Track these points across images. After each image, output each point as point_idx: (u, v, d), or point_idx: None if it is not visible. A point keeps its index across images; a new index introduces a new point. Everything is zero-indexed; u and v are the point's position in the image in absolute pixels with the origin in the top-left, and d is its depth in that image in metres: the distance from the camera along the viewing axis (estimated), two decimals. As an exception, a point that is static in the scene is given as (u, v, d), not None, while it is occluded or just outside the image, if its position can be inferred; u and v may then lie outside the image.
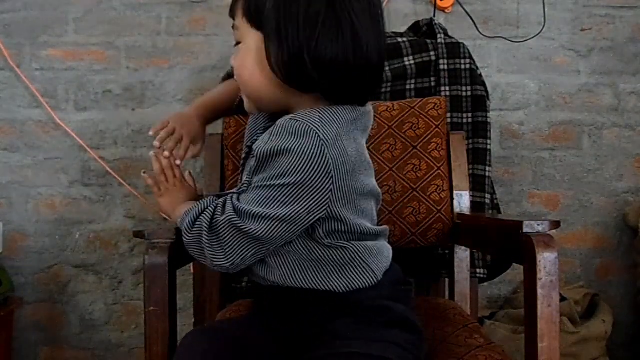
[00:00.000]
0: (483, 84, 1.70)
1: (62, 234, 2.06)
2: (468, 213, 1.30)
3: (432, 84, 1.67)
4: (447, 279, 1.47)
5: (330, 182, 0.82)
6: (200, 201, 0.90)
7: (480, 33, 2.03)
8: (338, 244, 0.88)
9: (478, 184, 1.63)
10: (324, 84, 0.85)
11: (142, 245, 1.77)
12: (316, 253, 0.88)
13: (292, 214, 0.82)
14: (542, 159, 2.06)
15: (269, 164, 0.82)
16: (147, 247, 0.91)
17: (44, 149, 2.05)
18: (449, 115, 1.61)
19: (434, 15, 1.98)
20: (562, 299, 1.71)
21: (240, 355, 0.86)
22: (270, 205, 0.82)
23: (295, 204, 0.82)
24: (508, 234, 0.99)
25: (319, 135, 0.81)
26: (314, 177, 0.81)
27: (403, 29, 1.83)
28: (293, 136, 0.81)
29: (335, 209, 0.85)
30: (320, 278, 0.88)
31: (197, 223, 0.86)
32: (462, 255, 1.29)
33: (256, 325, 0.92)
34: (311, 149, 0.80)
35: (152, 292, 0.90)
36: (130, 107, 2.06)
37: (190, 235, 0.87)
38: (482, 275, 1.60)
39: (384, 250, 0.94)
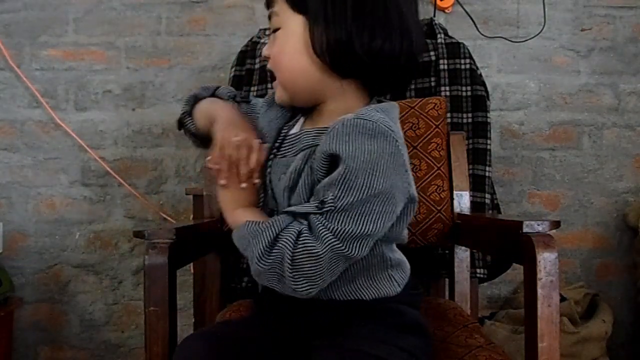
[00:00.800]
0: (483, 84, 1.70)
1: (62, 234, 2.06)
2: (468, 213, 1.30)
3: (432, 84, 1.67)
4: (447, 279, 1.47)
5: (408, 183, 0.82)
6: (272, 220, 0.81)
7: (480, 33, 2.03)
8: (380, 252, 0.89)
9: (478, 184, 1.63)
10: (370, 71, 0.85)
11: (142, 245, 1.77)
12: (358, 264, 0.86)
13: (384, 225, 0.79)
14: (542, 159, 2.06)
15: (351, 172, 0.77)
16: (147, 247, 0.91)
17: (44, 149, 2.05)
18: (449, 115, 1.62)
19: (434, 15, 1.98)
20: (562, 299, 1.71)
21: (239, 358, 0.85)
22: (367, 222, 0.77)
23: (387, 214, 0.79)
24: (508, 234, 0.99)
25: (393, 136, 0.79)
26: (397, 180, 0.80)
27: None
28: (371, 138, 0.78)
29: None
30: (351, 289, 0.87)
31: (276, 251, 0.78)
32: (462, 255, 1.29)
33: (257, 327, 0.92)
34: (391, 150, 0.79)
35: (152, 292, 0.90)
36: (130, 107, 2.06)
37: (265, 264, 0.78)
38: (482, 275, 1.60)
39: (406, 260, 0.95)
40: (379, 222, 0.78)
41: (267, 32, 0.91)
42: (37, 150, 2.06)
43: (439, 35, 1.70)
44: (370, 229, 0.77)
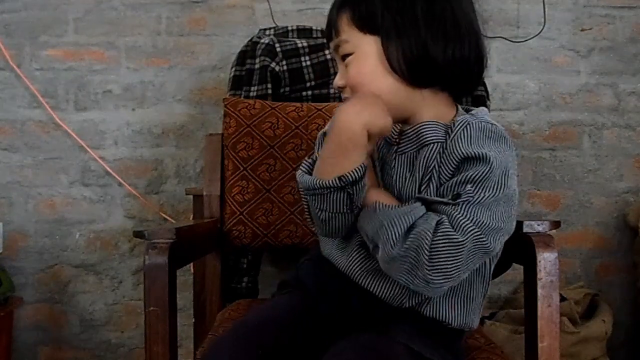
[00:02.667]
0: (483, 84, 1.70)
1: (62, 234, 2.06)
2: (468, 213, 1.29)
3: (432, 84, 1.67)
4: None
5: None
6: (409, 207, 0.80)
7: (480, 33, 2.02)
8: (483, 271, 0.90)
9: (478, 184, 1.62)
10: (447, 77, 0.86)
11: (142, 245, 1.77)
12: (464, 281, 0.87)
13: (512, 225, 0.83)
14: (542, 159, 2.06)
15: (488, 171, 0.79)
16: (147, 247, 0.91)
17: (44, 149, 2.05)
18: (449, 115, 1.61)
19: (434, 15, 1.98)
20: (562, 299, 1.71)
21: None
22: (502, 218, 0.79)
23: (513, 214, 0.82)
24: (508, 234, 0.99)
25: (510, 140, 0.84)
26: (516, 182, 0.83)
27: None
28: (499, 141, 0.82)
29: None
30: (444, 307, 0.87)
31: (413, 237, 0.76)
32: (462, 255, 1.29)
33: (292, 324, 0.90)
34: (513, 154, 0.84)
35: (152, 292, 0.90)
36: (130, 107, 2.06)
37: (400, 249, 0.77)
38: (482, 275, 1.60)
39: None
40: (510, 220, 0.80)
41: (333, 63, 0.91)
42: (37, 150, 2.05)
43: (439, 35, 1.70)
44: (504, 226, 0.79)
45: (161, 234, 0.93)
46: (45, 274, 2.06)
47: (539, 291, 0.87)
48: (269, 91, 1.66)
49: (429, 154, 0.85)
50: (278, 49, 1.68)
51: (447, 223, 0.76)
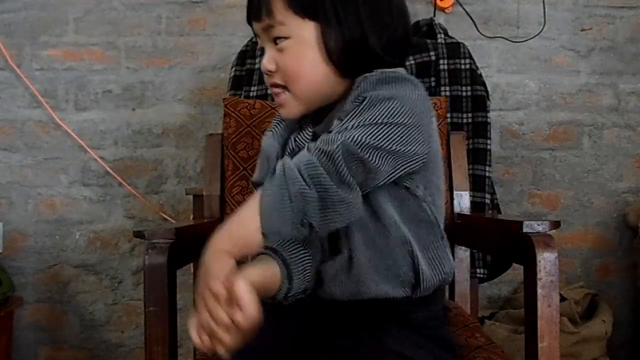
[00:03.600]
0: (483, 84, 1.70)
1: (62, 234, 2.06)
2: (468, 213, 1.30)
3: (432, 84, 1.67)
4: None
5: (433, 126, 0.84)
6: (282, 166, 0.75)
7: (480, 33, 2.03)
8: (431, 218, 0.86)
9: (478, 184, 1.63)
10: (379, 65, 0.84)
11: (142, 245, 1.76)
12: (413, 233, 0.85)
13: (406, 152, 0.78)
14: (542, 159, 2.06)
15: (375, 107, 0.77)
16: (147, 247, 0.91)
17: (44, 149, 2.05)
18: (449, 115, 1.62)
19: (434, 15, 1.98)
20: (562, 299, 1.71)
21: None
22: (391, 141, 0.76)
23: (409, 144, 0.77)
24: (508, 234, 0.99)
25: (418, 84, 0.82)
26: (424, 119, 0.80)
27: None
28: (397, 83, 0.79)
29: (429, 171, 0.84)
30: (415, 267, 0.84)
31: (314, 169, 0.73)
32: (462, 255, 1.29)
33: (275, 334, 0.87)
34: (417, 93, 0.80)
35: (152, 292, 0.90)
36: (130, 107, 2.06)
37: (309, 191, 0.73)
38: (482, 275, 1.60)
39: None
40: (399, 146, 0.76)
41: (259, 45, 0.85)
42: (37, 150, 2.05)
43: (439, 35, 1.70)
44: (386, 145, 0.75)
45: (161, 234, 0.93)
46: (45, 274, 2.06)
47: (539, 291, 0.87)
48: (269, 91, 1.66)
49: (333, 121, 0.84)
50: (278, 49, 1.68)
51: (316, 146, 0.75)
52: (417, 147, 0.79)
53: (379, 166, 0.76)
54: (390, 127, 0.76)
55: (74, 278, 2.07)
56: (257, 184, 0.93)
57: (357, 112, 0.77)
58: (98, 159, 2.04)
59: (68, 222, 2.06)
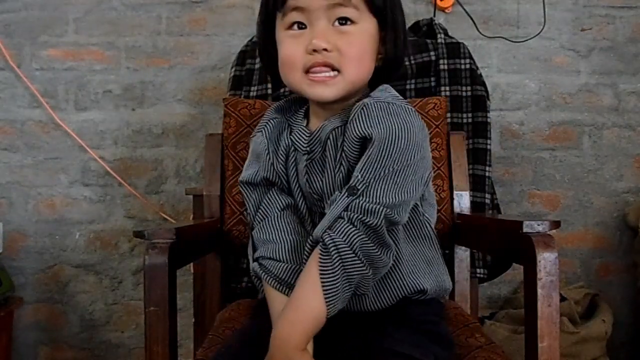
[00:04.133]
0: (483, 84, 1.70)
1: (62, 234, 2.06)
2: (468, 213, 1.29)
3: (432, 84, 1.67)
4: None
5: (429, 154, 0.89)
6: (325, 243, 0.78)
7: (480, 33, 2.03)
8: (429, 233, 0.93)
9: (478, 184, 1.63)
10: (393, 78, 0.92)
11: (142, 245, 1.77)
12: (415, 246, 0.90)
13: (420, 188, 0.85)
14: (542, 159, 2.06)
15: (389, 152, 0.80)
16: (147, 247, 0.91)
17: (44, 149, 2.05)
18: (449, 115, 1.61)
19: (434, 15, 1.98)
20: (562, 299, 1.71)
21: None
22: (409, 190, 0.81)
23: (422, 179, 0.85)
24: (508, 234, 0.99)
25: (415, 112, 0.86)
26: (426, 144, 0.86)
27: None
28: (397, 116, 0.82)
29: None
30: (414, 277, 0.89)
31: (339, 263, 0.76)
32: (462, 255, 1.29)
33: None
34: (418, 123, 0.85)
35: (152, 292, 0.90)
36: (130, 107, 2.06)
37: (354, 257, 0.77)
38: (482, 275, 1.60)
39: None
40: (419, 184, 0.83)
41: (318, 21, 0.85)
42: (37, 150, 2.05)
43: (439, 35, 1.70)
44: (412, 194, 0.81)
45: (161, 234, 0.93)
46: (45, 274, 2.06)
47: (539, 291, 0.87)
48: (269, 91, 1.66)
49: (331, 145, 0.88)
50: (278, 49, 1.68)
51: (358, 218, 0.78)
52: (426, 175, 0.86)
53: (405, 216, 0.83)
54: (408, 171, 0.81)
55: (74, 278, 2.07)
56: (247, 184, 0.96)
57: (373, 160, 0.80)
58: (98, 159, 2.04)
59: (68, 222, 2.06)
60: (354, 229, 0.77)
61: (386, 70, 0.90)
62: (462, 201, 1.30)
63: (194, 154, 2.05)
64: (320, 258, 0.77)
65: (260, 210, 0.95)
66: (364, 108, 0.83)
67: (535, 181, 2.06)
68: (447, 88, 1.66)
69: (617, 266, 2.06)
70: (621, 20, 2.06)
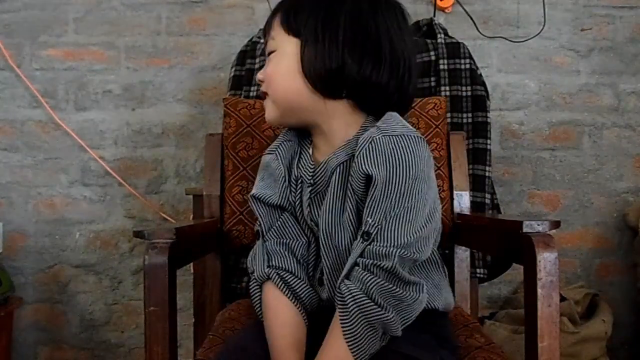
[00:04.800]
0: (483, 84, 1.70)
1: (62, 234, 2.06)
2: (468, 213, 1.29)
3: (432, 84, 1.67)
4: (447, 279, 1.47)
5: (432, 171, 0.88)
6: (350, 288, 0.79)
7: (480, 33, 2.03)
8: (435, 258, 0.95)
9: (478, 184, 1.63)
10: (358, 94, 0.89)
11: (142, 245, 1.77)
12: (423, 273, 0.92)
13: (433, 217, 0.86)
14: (542, 159, 2.06)
15: (399, 191, 0.81)
16: (147, 247, 0.91)
17: (44, 149, 2.05)
18: (449, 115, 1.62)
19: (434, 15, 1.98)
20: (562, 299, 1.71)
21: None
22: (423, 227, 0.82)
23: (433, 210, 0.86)
24: (508, 234, 0.99)
25: (422, 139, 0.85)
26: (432, 173, 0.86)
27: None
28: (404, 150, 0.82)
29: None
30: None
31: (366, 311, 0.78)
32: (462, 255, 1.29)
33: None
34: (423, 147, 0.84)
35: (152, 292, 0.90)
36: (130, 107, 2.06)
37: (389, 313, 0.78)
38: (482, 275, 1.60)
39: None
40: (431, 221, 0.84)
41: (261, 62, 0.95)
42: (37, 150, 2.06)
43: (439, 35, 1.70)
44: (425, 232, 0.82)
45: (161, 234, 0.93)
46: (45, 274, 2.06)
47: (539, 291, 0.87)
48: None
49: (337, 180, 0.88)
50: (278, 49, 1.68)
51: (374, 264, 0.79)
52: (435, 204, 0.87)
53: (426, 251, 0.83)
54: (418, 206, 0.81)
55: (73, 278, 2.07)
56: (261, 201, 0.95)
57: (380, 201, 0.81)
58: (98, 159, 2.04)
59: (68, 222, 2.06)
60: (370, 275, 0.78)
61: (340, 83, 0.88)
62: (462, 201, 1.30)
63: (194, 154, 2.06)
64: (339, 308, 0.79)
65: (273, 230, 0.96)
66: (372, 143, 0.83)
67: (535, 181, 2.06)
68: (447, 88, 1.66)
69: (617, 266, 2.06)
70: (621, 20, 2.06)
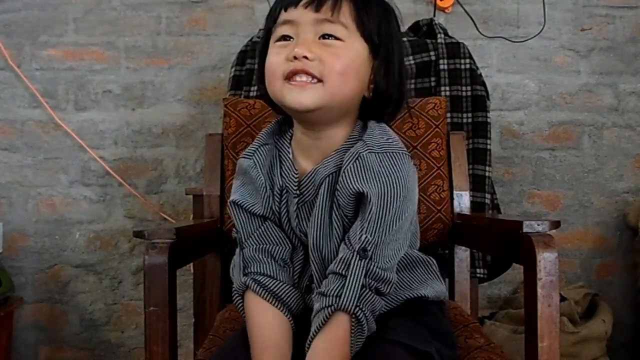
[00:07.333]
0: (483, 84, 1.70)
1: (62, 234, 2.06)
2: (468, 213, 1.30)
3: (432, 84, 1.67)
4: (447, 279, 1.47)
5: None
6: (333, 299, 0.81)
7: (480, 33, 2.03)
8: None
9: (478, 184, 1.63)
10: (382, 114, 0.91)
11: (142, 245, 1.77)
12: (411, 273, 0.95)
13: (410, 230, 0.89)
14: (542, 159, 2.06)
15: (387, 209, 0.82)
16: (147, 247, 0.91)
17: (44, 149, 2.05)
18: (449, 115, 1.61)
19: (434, 15, 1.98)
20: (562, 299, 1.71)
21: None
22: (403, 242, 0.86)
23: (413, 222, 0.91)
24: (508, 234, 0.99)
25: (406, 154, 0.86)
26: (415, 186, 0.89)
27: (403, 29, 1.83)
28: (390, 168, 0.83)
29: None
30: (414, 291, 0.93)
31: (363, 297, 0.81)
32: (462, 255, 1.29)
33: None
34: (409, 169, 0.86)
35: (152, 292, 0.90)
36: (130, 107, 2.06)
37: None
38: (482, 275, 1.60)
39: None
40: (409, 233, 0.88)
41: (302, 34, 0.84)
42: (37, 150, 2.06)
43: (439, 35, 1.70)
44: (405, 244, 0.87)
45: (161, 234, 0.93)
46: (45, 274, 2.06)
47: (539, 291, 0.87)
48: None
49: (324, 191, 0.87)
50: (278, 49, 1.68)
51: (370, 285, 0.82)
52: (414, 214, 0.90)
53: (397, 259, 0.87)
54: (405, 223, 0.85)
55: (73, 278, 2.07)
56: (241, 208, 0.92)
57: (374, 219, 0.82)
58: (98, 159, 2.04)
59: (68, 222, 2.06)
60: (376, 298, 0.82)
61: (376, 104, 0.88)
62: (462, 201, 1.30)
63: (194, 154, 2.06)
64: (353, 330, 0.81)
65: (253, 237, 0.92)
66: (358, 159, 0.83)
67: (535, 181, 2.06)
68: (447, 88, 1.66)
69: (617, 266, 2.06)
70: (621, 20, 2.06)
